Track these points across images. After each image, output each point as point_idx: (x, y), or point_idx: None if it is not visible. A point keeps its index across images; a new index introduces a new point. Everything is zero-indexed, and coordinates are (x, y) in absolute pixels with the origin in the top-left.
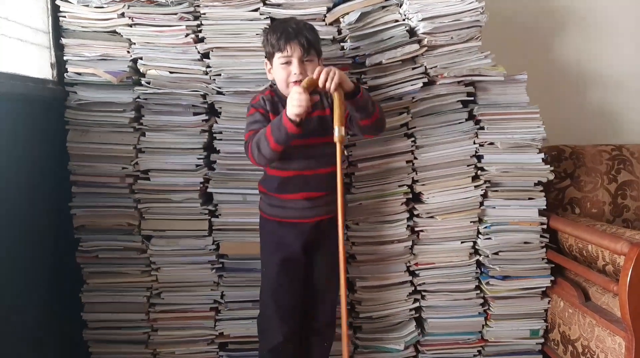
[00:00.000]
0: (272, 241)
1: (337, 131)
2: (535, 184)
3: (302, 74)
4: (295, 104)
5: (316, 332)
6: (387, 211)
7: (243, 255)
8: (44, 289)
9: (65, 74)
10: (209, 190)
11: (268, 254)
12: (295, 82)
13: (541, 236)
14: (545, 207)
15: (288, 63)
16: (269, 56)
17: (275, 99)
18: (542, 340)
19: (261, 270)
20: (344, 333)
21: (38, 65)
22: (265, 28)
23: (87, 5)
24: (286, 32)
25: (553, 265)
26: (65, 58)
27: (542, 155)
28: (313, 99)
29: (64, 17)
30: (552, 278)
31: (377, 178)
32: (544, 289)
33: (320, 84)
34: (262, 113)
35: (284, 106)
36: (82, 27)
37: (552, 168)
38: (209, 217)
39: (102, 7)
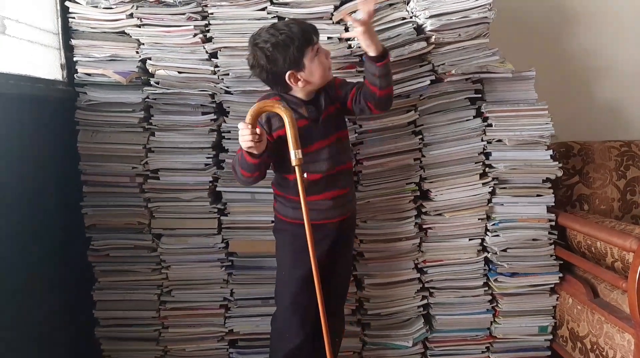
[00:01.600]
0: (297, 246)
1: (293, 155)
2: (544, 181)
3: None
4: (241, 140)
5: (332, 329)
6: (395, 209)
7: (252, 252)
8: (56, 287)
9: (75, 75)
10: (218, 189)
11: (292, 258)
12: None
13: (549, 233)
14: (553, 204)
15: (318, 51)
16: (296, 61)
17: (284, 104)
18: (550, 337)
19: (279, 273)
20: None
21: (48, 66)
22: (273, 42)
23: (96, 7)
24: (304, 26)
25: (562, 262)
26: (74, 59)
27: (550, 152)
28: (257, 133)
29: (73, 18)
30: (561, 274)
31: (384, 175)
32: (552, 286)
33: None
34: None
35: (296, 110)
36: (91, 28)
37: (560, 165)
38: (218, 215)
39: (111, 8)
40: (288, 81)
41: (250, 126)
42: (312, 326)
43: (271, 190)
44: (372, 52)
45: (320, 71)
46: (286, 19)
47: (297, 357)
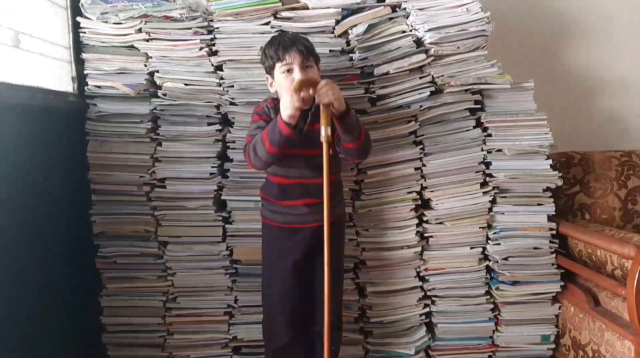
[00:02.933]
0: (275, 247)
1: (324, 131)
2: (544, 190)
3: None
4: (287, 106)
5: (321, 335)
6: (396, 218)
7: (256, 260)
8: (64, 293)
9: (85, 87)
10: (222, 198)
11: (271, 260)
12: None
13: (550, 241)
14: (554, 213)
15: (290, 71)
16: (270, 70)
17: (279, 107)
18: (553, 346)
19: (263, 275)
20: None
21: (59, 78)
22: (262, 47)
23: (106, 22)
24: (283, 42)
25: (563, 271)
26: (85, 72)
27: (550, 161)
28: (305, 98)
29: (84, 33)
30: (562, 283)
31: (386, 184)
32: (554, 294)
33: (317, 95)
34: (266, 120)
35: None
36: (102, 42)
37: (560, 174)
38: (223, 224)
39: (121, 23)
40: (266, 82)
41: (299, 92)
42: (300, 327)
43: None
44: (336, 110)
45: (282, 87)
46: (289, 32)
47: (286, 356)
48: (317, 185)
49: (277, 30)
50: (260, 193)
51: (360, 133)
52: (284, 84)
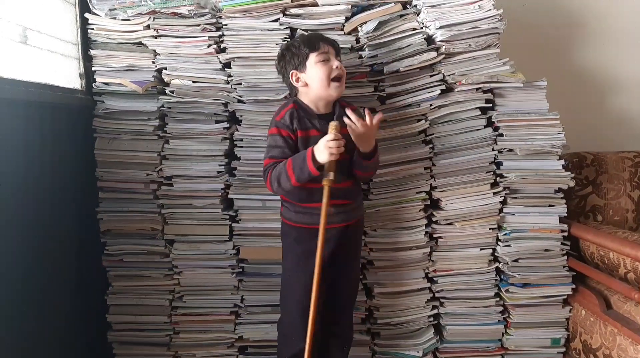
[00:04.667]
0: (300, 249)
1: (327, 176)
2: (556, 191)
3: (342, 69)
4: (333, 151)
5: (336, 335)
6: (405, 218)
7: (263, 259)
8: (71, 291)
9: (93, 84)
10: (229, 196)
11: (295, 261)
12: (336, 78)
13: (562, 243)
14: (565, 214)
15: (326, 60)
16: (300, 63)
17: (301, 114)
18: (563, 349)
19: (284, 276)
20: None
21: (67, 75)
22: (282, 46)
23: (115, 18)
24: (314, 36)
25: (574, 273)
26: (93, 69)
27: (562, 162)
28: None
29: (92, 29)
30: (574, 286)
31: (395, 184)
32: (565, 297)
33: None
34: (285, 136)
35: (310, 119)
36: (110, 39)
37: (573, 175)
38: (230, 222)
39: (129, 20)
40: (290, 79)
41: (340, 136)
42: (318, 331)
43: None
44: (362, 150)
45: (318, 77)
46: (298, 30)
47: None
48: (343, 189)
49: (286, 27)
50: (282, 196)
51: (375, 168)
52: (321, 73)
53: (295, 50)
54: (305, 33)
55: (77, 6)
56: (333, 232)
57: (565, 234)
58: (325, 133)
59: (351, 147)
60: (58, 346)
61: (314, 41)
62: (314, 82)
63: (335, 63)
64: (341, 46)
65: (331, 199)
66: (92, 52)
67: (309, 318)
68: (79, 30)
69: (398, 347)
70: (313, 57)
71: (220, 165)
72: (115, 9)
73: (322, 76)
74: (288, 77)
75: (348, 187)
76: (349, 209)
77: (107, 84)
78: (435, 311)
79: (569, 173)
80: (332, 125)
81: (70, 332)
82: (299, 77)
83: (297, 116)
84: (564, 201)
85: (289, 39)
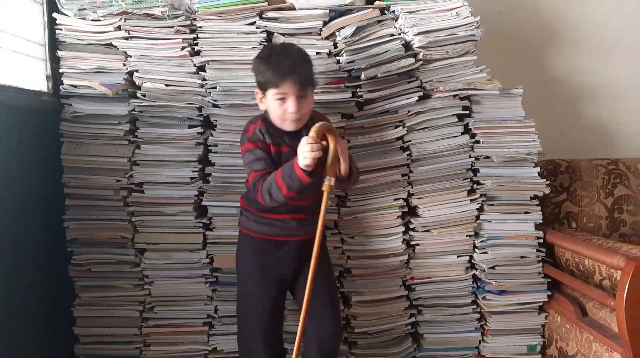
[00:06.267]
0: (256, 261)
1: (328, 181)
2: (531, 199)
3: (299, 112)
4: (307, 155)
5: (320, 351)
6: (382, 225)
7: None
8: (36, 303)
9: (60, 87)
10: (203, 203)
11: (249, 273)
12: (293, 120)
13: (538, 250)
14: (541, 221)
15: (283, 99)
16: (262, 87)
17: (271, 130)
18: (539, 356)
19: (239, 288)
20: None
21: (33, 77)
22: (259, 55)
23: (84, 19)
24: (283, 68)
25: (550, 280)
26: (60, 70)
27: (538, 169)
28: (323, 145)
29: (61, 30)
30: (549, 293)
31: (372, 191)
32: (540, 304)
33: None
34: (262, 148)
35: (279, 135)
36: (79, 39)
37: (548, 182)
38: (203, 230)
39: (99, 20)
40: (255, 95)
41: (318, 140)
42: (280, 346)
43: None
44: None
45: (273, 112)
46: (274, 34)
47: None
48: (311, 205)
49: (263, 31)
50: (242, 203)
51: (354, 182)
52: (276, 112)
53: (263, 72)
54: (290, 47)
55: (44, 5)
56: (293, 245)
57: (541, 241)
58: (295, 148)
59: (322, 159)
60: None
61: (278, 75)
62: (270, 114)
63: (292, 106)
64: (319, 50)
65: (294, 214)
66: (59, 53)
67: (268, 332)
68: (47, 30)
69: (376, 355)
70: (272, 93)
71: (193, 171)
72: (84, 9)
73: (276, 113)
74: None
75: (311, 205)
76: (308, 224)
77: (75, 86)
78: (413, 319)
79: (544, 180)
80: (313, 128)
81: (35, 345)
82: (261, 99)
83: (267, 131)
84: (539, 208)
85: (265, 43)
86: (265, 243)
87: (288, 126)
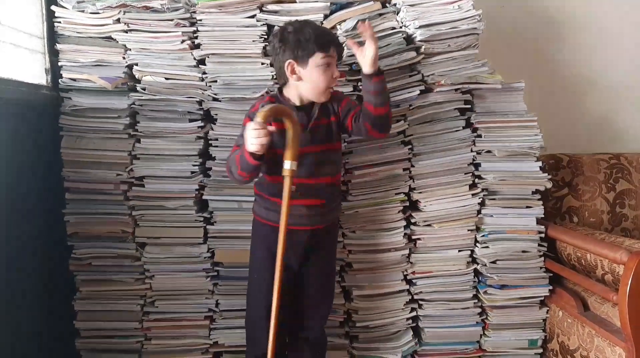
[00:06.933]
0: (265, 247)
1: (288, 165)
2: (533, 193)
3: (338, 78)
4: (253, 142)
5: (309, 342)
6: (384, 219)
7: (238, 263)
8: (36, 297)
9: (59, 80)
10: (204, 197)
11: (260, 260)
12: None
13: (539, 244)
14: (543, 215)
15: (329, 65)
16: (303, 56)
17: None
18: (540, 351)
19: (250, 275)
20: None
21: (32, 70)
22: (289, 28)
23: (83, 11)
24: (327, 34)
25: (551, 274)
26: (60, 64)
27: (539, 163)
28: (271, 130)
29: (59, 22)
30: (551, 287)
31: (374, 185)
32: (542, 298)
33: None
34: None
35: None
36: (78, 32)
37: (549, 177)
38: (204, 224)
39: (98, 13)
40: (285, 68)
41: (265, 126)
42: (284, 332)
43: None
44: (369, 70)
45: (316, 79)
46: (275, 27)
47: None
48: (321, 186)
49: (263, 24)
50: (254, 188)
51: (388, 96)
52: (321, 79)
53: (304, 40)
54: (316, 23)
55: None
56: (301, 235)
57: (543, 235)
58: (302, 124)
59: (320, 138)
60: (23, 354)
61: (326, 41)
62: (309, 82)
63: (336, 72)
64: None
65: (305, 198)
66: (58, 46)
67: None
68: (45, 23)
69: (377, 350)
70: (319, 58)
71: (194, 165)
72: (83, 1)
73: (321, 81)
74: (282, 65)
75: (320, 184)
76: (319, 213)
77: (74, 79)
78: (414, 313)
79: (546, 174)
80: (258, 113)
81: (36, 339)
82: (294, 70)
83: None
84: (541, 202)
85: (266, 36)
86: (275, 231)
87: (326, 96)
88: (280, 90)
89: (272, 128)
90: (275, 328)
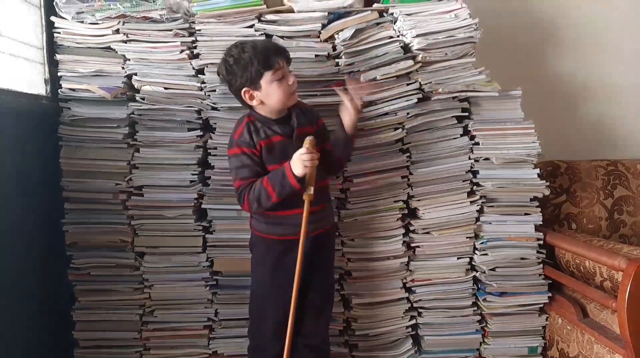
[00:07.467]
0: (270, 261)
1: (308, 190)
2: (531, 200)
3: (295, 81)
4: (307, 164)
5: (314, 349)
6: (382, 227)
7: (237, 271)
8: (35, 307)
9: (59, 90)
10: (203, 206)
11: (265, 274)
12: (295, 92)
13: (538, 251)
14: (541, 223)
15: (282, 77)
16: (253, 80)
17: (258, 125)
18: None
19: (253, 289)
20: None
21: (32, 81)
22: (230, 59)
23: (82, 22)
24: (269, 50)
25: (550, 281)
26: (59, 74)
27: (537, 170)
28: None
29: (59, 33)
30: (550, 294)
31: (372, 193)
32: (541, 305)
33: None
34: (248, 153)
35: (269, 126)
36: (77, 43)
37: (547, 184)
38: (203, 233)
39: (97, 24)
40: (243, 97)
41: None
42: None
43: None
44: (347, 131)
45: (277, 96)
46: (273, 36)
47: None
48: (318, 190)
49: (262, 34)
50: None
51: (351, 151)
52: (279, 92)
53: (248, 65)
54: (253, 40)
55: (42, 9)
56: (305, 242)
57: (541, 242)
58: (287, 135)
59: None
60: None
61: (268, 57)
62: (270, 100)
63: (290, 79)
64: (318, 53)
65: (300, 207)
66: (58, 56)
67: (280, 330)
68: (44, 34)
69: None
70: (268, 76)
71: (193, 174)
72: (82, 12)
73: (280, 95)
74: (240, 95)
75: (318, 188)
76: (320, 217)
77: (73, 90)
78: (414, 321)
79: (544, 181)
80: (307, 140)
81: (34, 350)
82: (252, 95)
83: (255, 128)
84: (539, 209)
85: None
86: (278, 244)
87: (292, 100)
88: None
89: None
90: (290, 339)
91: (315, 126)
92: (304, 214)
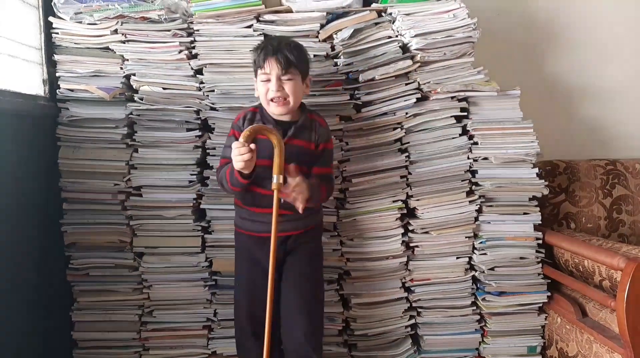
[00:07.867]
0: (244, 256)
1: (275, 179)
2: (530, 199)
3: (279, 92)
4: (237, 159)
5: (299, 354)
6: (381, 227)
7: None
8: (33, 307)
9: (57, 91)
10: (202, 206)
11: (240, 269)
12: (272, 99)
13: (537, 251)
14: (540, 222)
15: (268, 80)
16: (255, 72)
17: (257, 117)
18: (539, 357)
19: (235, 283)
20: None
21: (30, 81)
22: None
23: (80, 22)
24: (266, 49)
25: (549, 281)
26: (57, 74)
27: (536, 170)
28: (252, 149)
29: (57, 33)
30: (549, 293)
31: (371, 193)
32: (540, 305)
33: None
34: (236, 137)
35: (266, 123)
36: (75, 43)
37: (546, 183)
38: (202, 234)
39: (95, 24)
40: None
41: (246, 144)
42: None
43: None
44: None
45: (259, 93)
46: (279, 37)
47: None
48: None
49: (260, 34)
50: (235, 199)
51: (322, 199)
52: (260, 92)
53: (254, 56)
54: (272, 38)
55: (40, 9)
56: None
57: (540, 242)
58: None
59: (288, 157)
60: None
61: (263, 55)
62: (259, 96)
63: (272, 86)
64: (316, 53)
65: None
66: (56, 57)
67: (256, 326)
68: (43, 34)
69: None
70: (260, 73)
71: (191, 174)
72: (81, 12)
73: (261, 94)
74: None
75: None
76: (291, 219)
77: (72, 90)
78: (413, 321)
79: (543, 180)
80: (242, 133)
81: (33, 350)
82: (255, 84)
83: (252, 117)
84: (538, 209)
85: None
86: (250, 239)
87: (273, 109)
88: None
89: (253, 146)
90: (269, 340)
91: (313, 145)
92: (274, 207)
